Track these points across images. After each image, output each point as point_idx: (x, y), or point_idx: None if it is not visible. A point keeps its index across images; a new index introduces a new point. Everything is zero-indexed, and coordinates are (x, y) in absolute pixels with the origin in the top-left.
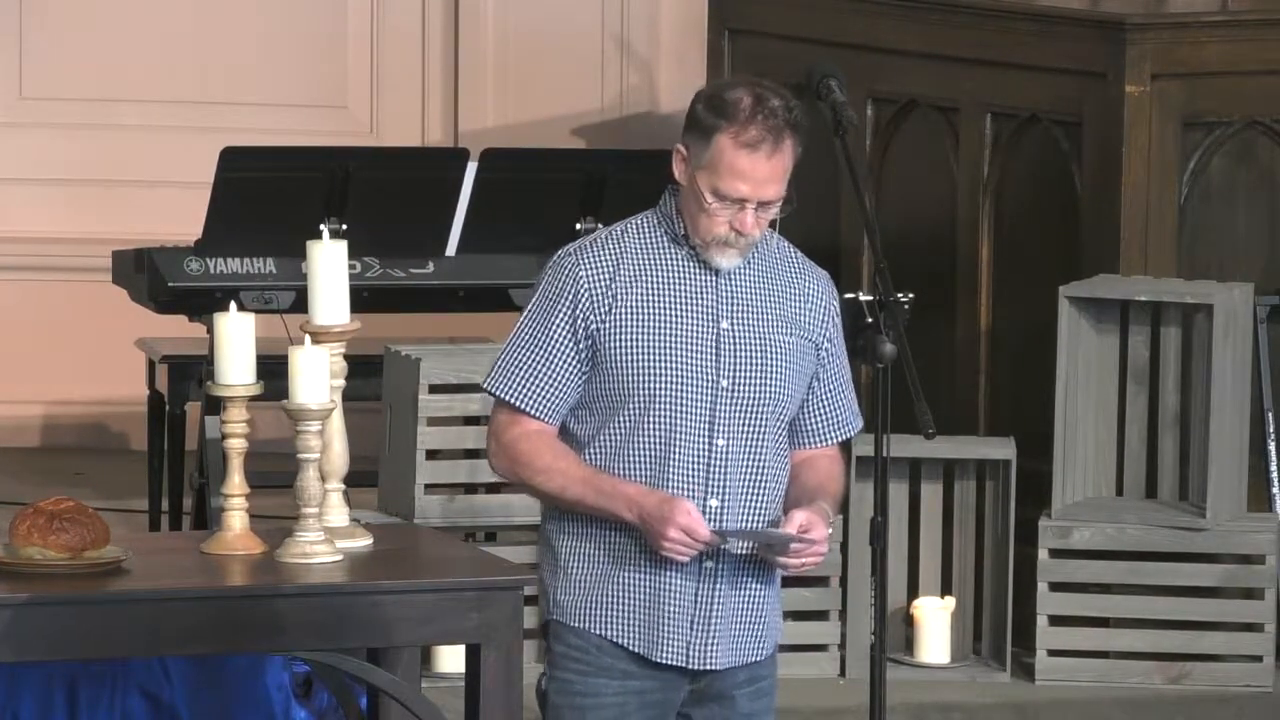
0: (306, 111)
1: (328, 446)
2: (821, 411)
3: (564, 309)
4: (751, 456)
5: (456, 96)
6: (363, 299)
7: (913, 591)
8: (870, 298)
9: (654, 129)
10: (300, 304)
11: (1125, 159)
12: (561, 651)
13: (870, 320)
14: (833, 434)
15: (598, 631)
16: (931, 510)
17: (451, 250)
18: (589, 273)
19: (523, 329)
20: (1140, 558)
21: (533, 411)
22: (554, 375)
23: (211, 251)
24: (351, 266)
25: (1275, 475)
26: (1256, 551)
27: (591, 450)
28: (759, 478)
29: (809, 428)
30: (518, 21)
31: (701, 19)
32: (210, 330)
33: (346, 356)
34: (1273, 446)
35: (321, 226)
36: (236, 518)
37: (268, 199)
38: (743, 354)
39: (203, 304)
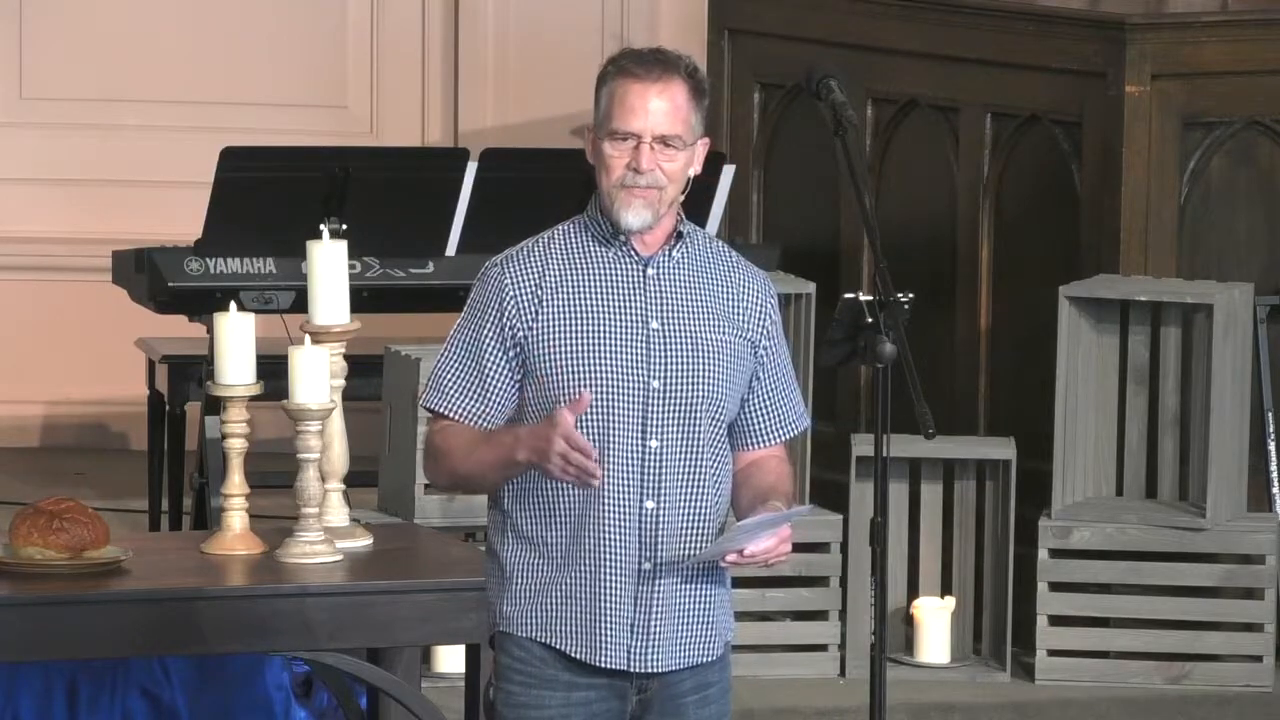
0: (306, 111)
1: (328, 446)
2: (764, 411)
3: (491, 319)
4: (687, 458)
5: (456, 96)
6: (363, 299)
7: (913, 591)
8: (870, 298)
9: None
10: (300, 304)
11: (1125, 159)
12: (506, 663)
13: (870, 320)
14: (778, 434)
15: (542, 640)
16: (931, 510)
17: (451, 250)
18: (514, 280)
19: (454, 343)
20: (1140, 558)
21: (460, 419)
22: (485, 387)
23: (211, 251)
24: (351, 266)
25: (1275, 475)
26: (1256, 551)
27: None
28: (695, 479)
29: (753, 428)
30: (518, 21)
31: (701, 19)
32: (210, 330)
33: (346, 356)
34: (1273, 446)
35: (321, 226)
36: (236, 518)
37: (267, 199)
38: (673, 354)
39: (203, 304)
